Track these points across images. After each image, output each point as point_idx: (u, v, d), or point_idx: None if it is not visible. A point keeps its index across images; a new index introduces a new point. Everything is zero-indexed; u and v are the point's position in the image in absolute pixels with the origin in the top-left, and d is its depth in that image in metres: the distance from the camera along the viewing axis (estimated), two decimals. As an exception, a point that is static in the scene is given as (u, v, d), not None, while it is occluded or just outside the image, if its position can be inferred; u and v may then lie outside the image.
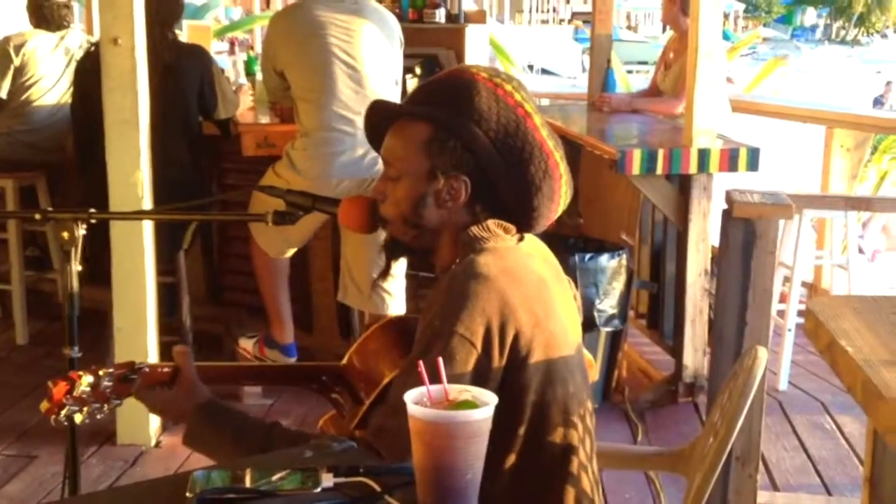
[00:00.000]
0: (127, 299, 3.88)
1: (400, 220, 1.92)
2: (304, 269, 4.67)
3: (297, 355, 4.40)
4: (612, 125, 5.31)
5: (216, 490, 1.50)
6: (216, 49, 8.66)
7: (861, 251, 6.74)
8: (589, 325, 4.20)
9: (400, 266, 3.81)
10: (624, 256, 4.37)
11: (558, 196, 1.90)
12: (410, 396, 1.38)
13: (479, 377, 1.73)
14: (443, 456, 1.36)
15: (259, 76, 4.76)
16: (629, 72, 12.78)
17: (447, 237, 1.90)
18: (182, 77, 4.34)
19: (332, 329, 4.68)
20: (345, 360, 2.12)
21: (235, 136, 4.51)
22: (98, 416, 1.91)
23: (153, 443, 3.97)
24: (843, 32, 59.57)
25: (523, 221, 1.91)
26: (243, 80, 5.80)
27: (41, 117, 5.13)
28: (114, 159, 3.81)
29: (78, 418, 1.88)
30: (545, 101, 6.87)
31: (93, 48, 4.36)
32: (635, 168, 4.15)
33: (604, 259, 4.29)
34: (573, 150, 4.89)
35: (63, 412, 1.86)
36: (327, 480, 1.52)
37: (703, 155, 4.17)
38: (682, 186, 4.31)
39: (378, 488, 1.51)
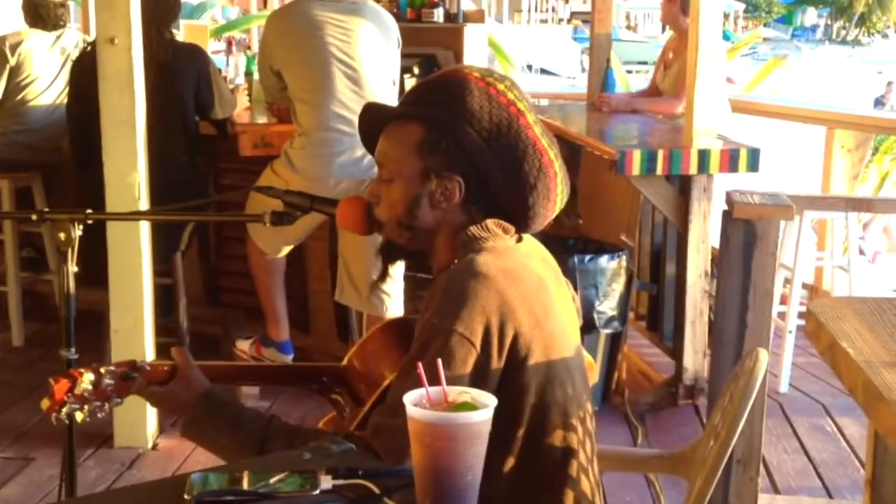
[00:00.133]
0: (123, 301, 3.87)
1: (395, 223, 1.91)
2: (301, 269, 4.66)
3: (293, 352, 4.40)
4: (612, 125, 5.31)
5: (214, 492, 1.49)
6: (213, 49, 8.66)
7: (862, 252, 6.72)
8: (588, 326, 4.19)
9: (398, 267, 3.81)
10: (624, 258, 4.36)
11: (554, 194, 1.89)
12: (409, 398, 1.37)
13: (478, 377, 1.72)
14: (442, 458, 1.35)
15: (256, 76, 4.75)
16: (629, 72, 12.79)
17: (443, 238, 1.90)
18: (179, 77, 4.33)
19: (329, 330, 4.67)
20: (345, 361, 2.11)
21: (232, 136, 4.50)
22: (99, 415, 1.90)
23: (150, 445, 3.96)
24: (843, 32, 59.65)
25: (519, 221, 1.90)
26: (241, 80, 5.80)
27: (37, 117, 5.12)
28: (110, 159, 3.80)
29: (79, 416, 1.87)
30: (544, 101, 6.85)
31: (89, 48, 4.34)
32: (635, 169, 4.14)
33: (603, 260, 4.28)
34: (572, 150, 4.89)
35: (64, 410, 1.85)
36: (326, 482, 1.51)
37: (704, 155, 4.16)
38: (683, 187, 4.30)
39: (377, 490, 1.50)
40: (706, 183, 4.26)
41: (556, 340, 1.82)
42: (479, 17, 5.91)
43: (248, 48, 8.30)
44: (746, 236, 3.17)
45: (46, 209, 3.47)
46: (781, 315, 4.71)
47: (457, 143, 1.84)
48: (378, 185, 1.93)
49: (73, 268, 2.27)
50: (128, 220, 3.80)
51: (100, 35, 3.78)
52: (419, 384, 1.41)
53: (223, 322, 4.90)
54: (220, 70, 4.83)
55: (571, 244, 4.60)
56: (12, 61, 5.05)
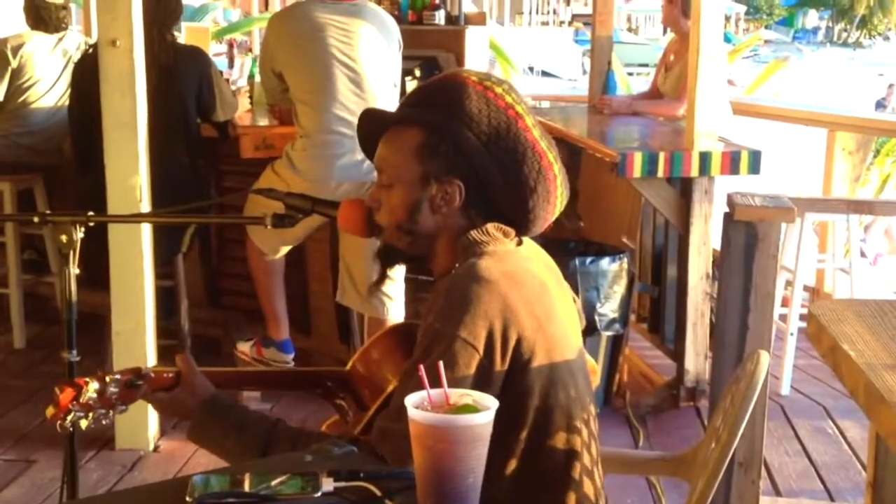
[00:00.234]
0: (125, 303, 3.87)
1: (395, 228, 1.92)
2: (302, 271, 4.66)
3: (293, 352, 4.40)
4: (613, 128, 5.30)
5: (215, 494, 1.49)
6: (214, 51, 8.66)
7: (863, 255, 6.72)
8: (590, 329, 4.19)
9: (399, 269, 3.81)
10: (625, 260, 4.36)
11: (554, 197, 1.90)
12: (411, 400, 1.37)
13: (482, 381, 1.72)
14: (443, 460, 1.35)
15: (258, 78, 4.76)
16: (630, 74, 12.77)
17: (443, 242, 1.90)
18: (180, 79, 4.33)
19: (330, 331, 4.67)
20: (349, 366, 2.11)
21: (234, 139, 4.50)
22: (104, 422, 1.91)
23: (152, 447, 3.96)
24: (844, 35, 59.60)
25: (520, 223, 1.90)
26: (243, 82, 5.79)
27: (39, 120, 5.12)
28: (112, 162, 3.80)
29: (83, 424, 1.87)
30: (545, 104, 6.85)
31: (90, 50, 4.35)
32: (636, 171, 4.13)
33: (605, 263, 4.28)
34: (574, 152, 4.89)
35: (69, 418, 1.86)
36: (327, 485, 1.51)
37: (705, 158, 4.16)
38: (684, 189, 4.30)
39: (378, 493, 1.50)
40: (707, 185, 4.26)
41: (558, 343, 1.82)
42: (480, 19, 5.91)
43: (250, 50, 8.31)
44: (748, 238, 3.18)
45: (48, 211, 3.45)
46: (783, 317, 4.71)
47: (456, 147, 1.84)
48: (378, 190, 1.93)
49: (74, 270, 2.26)
50: (129, 223, 3.80)
51: (101, 37, 3.78)
52: (421, 387, 1.41)
53: (224, 324, 4.90)
54: (221, 72, 4.82)
55: (573, 246, 4.59)
56: (14, 63, 5.06)
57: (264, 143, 4.38)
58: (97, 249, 3.72)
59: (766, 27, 57.28)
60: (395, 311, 4.09)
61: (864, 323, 1.68)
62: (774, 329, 3.60)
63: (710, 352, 4.25)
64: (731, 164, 4.19)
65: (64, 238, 2.24)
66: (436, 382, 1.41)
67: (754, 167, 4.20)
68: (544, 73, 27.87)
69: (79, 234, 2.25)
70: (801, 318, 4.54)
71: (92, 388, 1.85)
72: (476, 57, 5.61)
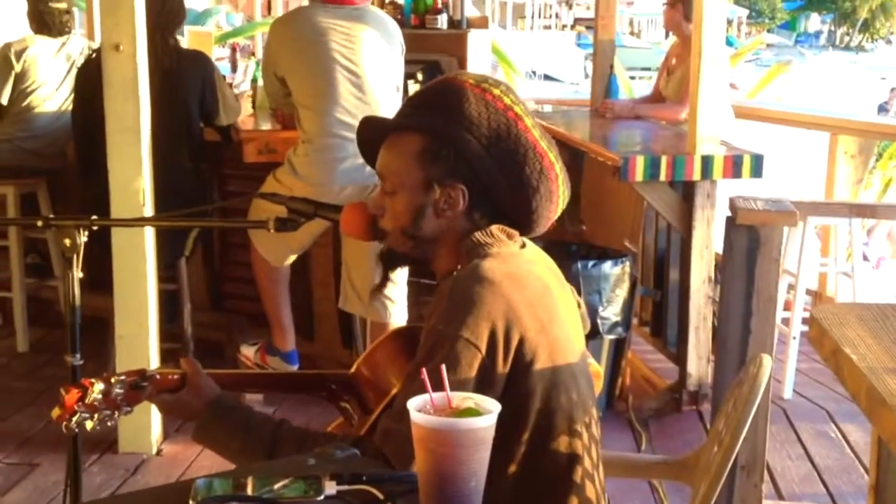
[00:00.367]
0: (128, 306, 3.87)
1: (399, 233, 1.92)
2: (305, 276, 4.66)
3: (298, 363, 4.39)
4: (615, 131, 5.30)
5: (218, 498, 1.49)
6: (217, 55, 8.67)
7: (866, 258, 6.73)
8: (592, 332, 4.17)
9: (401, 273, 3.81)
10: (627, 264, 4.36)
11: (556, 196, 1.90)
12: (413, 403, 1.38)
13: (484, 382, 1.73)
14: (446, 463, 1.35)
15: (260, 82, 4.76)
16: (632, 78, 12.79)
17: (447, 245, 1.90)
18: (183, 83, 4.33)
19: (333, 337, 4.67)
20: (353, 369, 2.11)
21: (237, 143, 4.50)
22: (109, 423, 1.90)
23: (155, 451, 3.96)
24: (847, 38, 59.62)
25: (523, 224, 1.90)
26: (246, 86, 5.80)
27: (42, 124, 5.13)
28: (115, 166, 3.81)
29: (88, 426, 1.87)
30: (548, 108, 6.85)
31: (94, 54, 4.35)
32: (638, 175, 4.13)
33: (607, 266, 4.28)
34: (576, 156, 4.89)
35: (74, 419, 1.86)
36: (330, 488, 1.51)
37: (707, 161, 4.16)
38: (686, 193, 4.30)
39: (381, 496, 1.50)
40: (710, 189, 4.26)
41: (560, 346, 1.82)
42: (482, 23, 5.92)
43: (252, 54, 8.32)
44: (750, 242, 3.18)
45: (52, 215, 3.45)
46: (785, 321, 4.71)
47: (457, 150, 1.85)
48: (381, 197, 1.94)
49: (78, 274, 2.27)
50: (132, 226, 3.79)
51: (104, 41, 3.79)
52: (424, 390, 1.41)
53: (227, 328, 4.90)
54: (224, 76, 4.83)
55: (575, 250, 4.60)
56: (17, 68, 5.07)
57: (267, 147, 4.39)
58: (100, 253, 3.72)
59: (769, 31, 57.23)
60: (397, 314, 4.09)
61: (867, 327, 1.69)
62: (777, 333, 3.60)
63: (712, 355, 4.25)
64: (734, 167, 4.19)
65: (67, 242, 2.25)
66: (438, 385, 1.42)
67: (756, 171, 4.20)
68: (546, 77, 27.91)
69: (82, 237, 2.25)
70: (804, 321, 4.54)
71: (97, 389, 1.85)
72: (478, 61, 5.61)
